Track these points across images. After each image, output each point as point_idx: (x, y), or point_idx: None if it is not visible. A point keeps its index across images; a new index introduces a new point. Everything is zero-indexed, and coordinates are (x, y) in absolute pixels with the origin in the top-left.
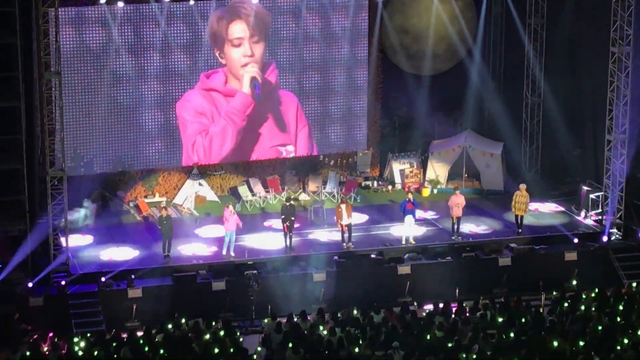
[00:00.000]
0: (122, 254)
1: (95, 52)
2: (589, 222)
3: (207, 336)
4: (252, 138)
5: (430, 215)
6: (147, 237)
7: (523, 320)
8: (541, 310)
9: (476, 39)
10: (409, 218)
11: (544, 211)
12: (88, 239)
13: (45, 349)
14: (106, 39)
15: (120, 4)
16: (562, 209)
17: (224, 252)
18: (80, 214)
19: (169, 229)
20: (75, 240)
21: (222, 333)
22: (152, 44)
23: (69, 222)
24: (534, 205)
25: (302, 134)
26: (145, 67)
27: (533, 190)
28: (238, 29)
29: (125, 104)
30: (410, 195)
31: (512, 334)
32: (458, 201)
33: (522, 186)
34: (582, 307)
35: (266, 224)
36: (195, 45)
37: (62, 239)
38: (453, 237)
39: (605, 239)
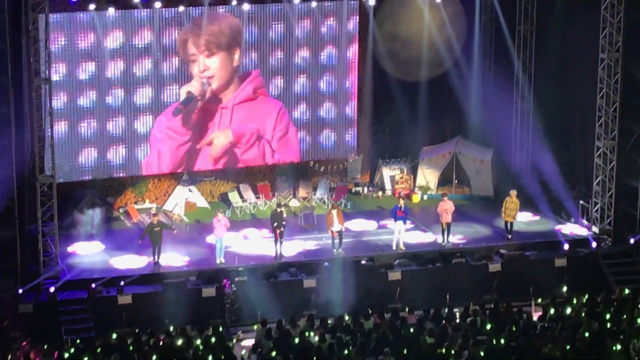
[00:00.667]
0: (113, 260)
1: (83, 59)
2: (579, 228)
3: (198, 342)
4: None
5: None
6: (137, 243)
7: (513, 326)
8: (531, 316)
9: (466, 46)
10: (399, 224)
11: (535, 218)
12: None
13: (34, 355)
14: (95, 46)
15: (111, 10)
16: (552, 214)
17: (217, 260)
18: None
19: (159, 235)
20: (71, 248)
21: (212, 339)
22: (142, 52)
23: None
24: (527, 217)
25: (280, 141)
26: (134, 75)
27: (524, 196)
28: (190, 47)
29: (109, 111)
30: (401, 202)
31: (502, 340)
32: (446, 207)
33: (512, 192)
34: (572, 313)
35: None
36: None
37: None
38: (443, 243)
39: (594, 245)
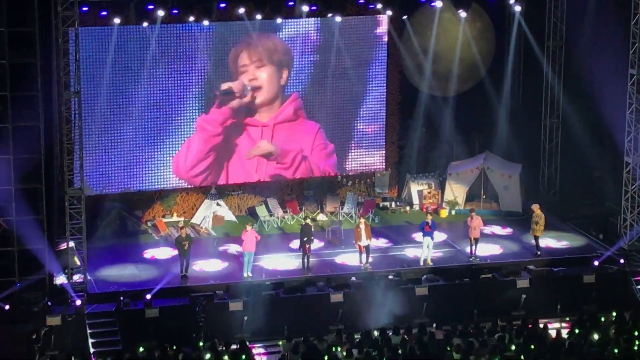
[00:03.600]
0: (140, 273)
1: (111, 72)
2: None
3: (226, 357)
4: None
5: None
6: (164, 256)
7: (541, 343)
8: (559, 332)
9: (494, 61)
10: (426, 240)
11: (563, 233)
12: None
13: None
14: (124, 58)
15: (145, 24)
16: (581, 231)
17: (245, 274)
18: None
19: (187, 249)
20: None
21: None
22: (171, 64)
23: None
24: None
25: (317, 158)
26: (161, 87)
27: (552, 212)
28: (243, 59)
29: (135, 123)
30: (429, 217)
31: (529, 357)
32: (476, 223)
33: (534, 206)
34: (601, 331)
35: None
36: (216, 66)
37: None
38: (470, 259)
39: (623, 261)
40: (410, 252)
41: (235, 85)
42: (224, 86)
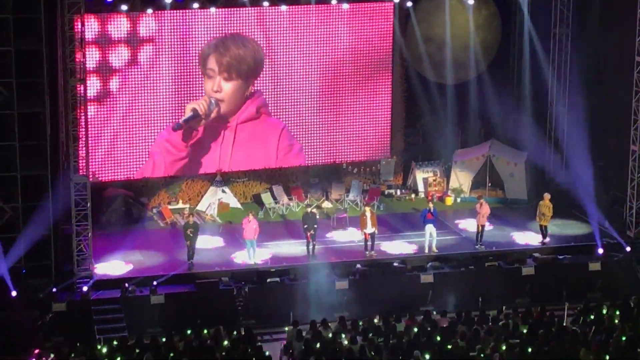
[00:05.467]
0: (146, 260)
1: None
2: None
3: (226, 342)
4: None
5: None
6: (170, 243)
7: (546, 330)
8: (564, 320)
9: (501, 48)
10: (429, 227)
11: (568, 221)
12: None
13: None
14: (125, 48)
15: (149, 11)
16: (586, 218)
17: (251, 261)
18: None
19: (194, 235)
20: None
21: (243, 340)
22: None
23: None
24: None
25: (286, 158)
26: (159, 79)
27: (557, 200)
28: (211, 63)
29: (134, 113)
30: (430, 205)
31: (534, 345)
32: (484, 210)
33: (546, 196)
34: (606, 318)
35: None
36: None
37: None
38: (476, 246)
39: (628, 249)
40: (415, 239)
41: (200, 106)
42: (189, 110)
